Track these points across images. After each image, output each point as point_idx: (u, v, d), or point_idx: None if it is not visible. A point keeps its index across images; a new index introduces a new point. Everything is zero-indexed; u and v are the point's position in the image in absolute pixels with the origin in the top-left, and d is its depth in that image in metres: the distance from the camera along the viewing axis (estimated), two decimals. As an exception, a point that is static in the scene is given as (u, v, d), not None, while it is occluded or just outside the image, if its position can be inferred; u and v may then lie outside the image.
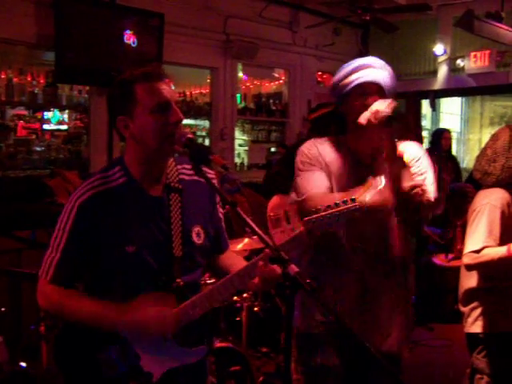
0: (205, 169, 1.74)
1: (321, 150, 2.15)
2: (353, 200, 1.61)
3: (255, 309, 3.47)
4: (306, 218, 1.60)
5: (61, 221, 1.70)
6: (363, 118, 2.03)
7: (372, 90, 2.09)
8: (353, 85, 2.09)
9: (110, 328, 1.67)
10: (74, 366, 1.72)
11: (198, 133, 7.47)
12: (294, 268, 1.30)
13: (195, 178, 1.76)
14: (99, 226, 1.68)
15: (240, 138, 7.52)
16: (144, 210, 1.73)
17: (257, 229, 1.40)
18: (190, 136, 1.65)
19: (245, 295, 3.36)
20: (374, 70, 2.11)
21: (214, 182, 1.78)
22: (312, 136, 4.21)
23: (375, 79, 2.10)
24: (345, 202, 1.60)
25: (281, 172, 3.59)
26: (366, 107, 2.05)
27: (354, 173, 2.08)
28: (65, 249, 1.69)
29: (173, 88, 1.75)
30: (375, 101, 2.04)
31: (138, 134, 1.69)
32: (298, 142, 5.08)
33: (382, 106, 1.99)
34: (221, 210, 1.92)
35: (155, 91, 1.66)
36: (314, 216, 1.60)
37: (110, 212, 1.69)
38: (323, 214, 1.59)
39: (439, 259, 5.66)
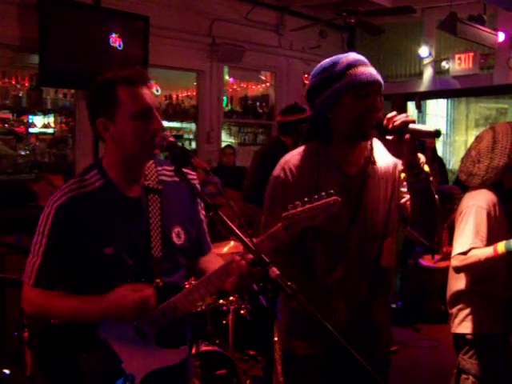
0: (186, 170, 1.74)
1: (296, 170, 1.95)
2: (330, 194, 1.60)
3: (242, 312, 3.46)
4: (284, 214, 1.59)
5: (40, 225, 1.71)
6: (395, 120, 1.76)
7: (373, 91, 1.85)
8: (351, 84, 1.82)
9: (91, 319, 1.67)
10: (57, 372, 1.71)
11: (185, 136, 7.46)
12: (275, 271, 1.30)
13: (176, 179, 1.75)
14: (77, 229, 1.69)
15: (227, 140, 7.51)
16: (122, 211, 1.73)
17: (238, 232, 1.39)
18: (171, 139, 1.65)
19: (231, 298, 3.35)
20: (369, 67, 1.87)
21: (195, 182, 1.77)
22: (282, 138, 4.19)
23: (376, 78, 1.86)
24: (321, 197, 1.59)
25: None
26: (369, 111, 1.83)
27: (340, 184, 1.93)
28: (45, 252, 1.69)
29: (157, 92, 1.75)
30: (379, 102, 1.85)
31: (118, 137, 1.69)
32: (269, 145, 4.99)
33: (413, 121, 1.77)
34: (203, 211, 1.91)
35: (137, 96, 1.66)
36: (291, 212, 1.58)
37: (87, 215, 1.69)
38: (300, 209, 1.58)
39: (426, 261, 5.70)
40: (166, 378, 1.75)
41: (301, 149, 2.02)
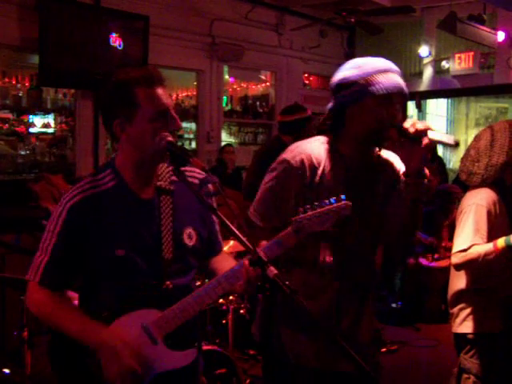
0: (191, 168, 1.73)
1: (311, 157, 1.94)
2: (340, 199, 1.59)
3: (241, 311, 3.46)
4: (293, 218, 1.57)
5: (50, 223, 1.70)
6: (416, 127, 1.78)
7: (397, 101, 1.86)
8: (381, 90, 1.82)
9: (86, 344, 1.65)
10: (67, 370, 1.73)
11: (186, 135, 7.47)
12: (273, 270, 1.29)
13: (188, 179, 1.73)
14: (89, 230, 1.67)
15: (227, 140, 7.51)
16: (134, 213, 1.72)
17: (236, 231, 1.39)
18: (169, 139, 1.63)
19: (231, 298, 3.35)
20: (398, 77, 1.88)
21: (196, 181, 1.76)
22: (282, 137, 4.19)
23: (402, 88, 1.87)
24: (332, 201, 1.57)
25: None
26: (387, 119, 1.83)
27: (349, 182, 1.93)
28: (53, 251, 1.68)
29: None
30: (398, 113, 1.85)
31: (135, 139, 1.67)
32: (269, 143, 4.98)
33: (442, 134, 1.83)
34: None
35: (156, 98, 1.65)
36: (302, 216, 1.57)
37: (99, 216, 1.68)
38: (310, 213, 1.56)
39: (425, 260, 5.70)
40: (176, 379, 1.74)
41: (314, 139, 1.99)
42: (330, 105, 1.97)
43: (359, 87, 1.85)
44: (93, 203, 1.68)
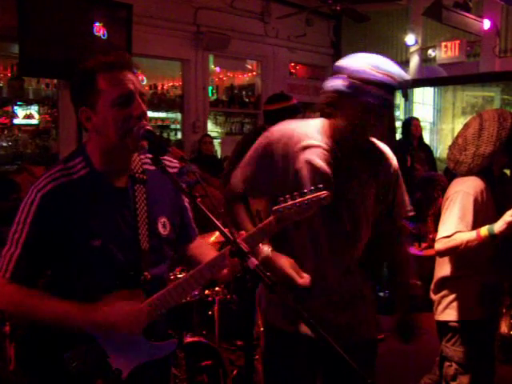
0: (168, 158, 1.70)
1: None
2: (319, 188, 1.58)
3: (227, 300, 3.44)
4: (275, 208, 1.57)
5: (20, 214, 1.61)
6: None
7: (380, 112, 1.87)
8: (374, 101, 1.82)
9: (75, 329, 1.61)
10: (39, 367, 1.67)
11: (172, 126, 7.41)
12: (253, 261, 1.27)
13: (167, 169, 1.66)
14: (62, 220, 1.61)
15: (213, 130, 7.47)
16: (109, 202, 1.67)
17: (216, 222, 1.36)
18: (148, 128, 1.59)
19: (217, 289, 3.33)
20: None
21: (175, 170, 1.74)
22: (267, 127, 4.14)
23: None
24: (312, 191, 1.57)
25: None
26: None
27: (336, 166, 1.95)
28: (25, 243, 1.60)
29: (143, 82, 1.68)
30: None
31: (100, 126, 1.62)
32: (252, 132, 4.96)
33: None
34: (186, 198, 1.87)
35: (118, 82, 1.59)
36: (283, 205, 1.57)
37: (73, 205, 1.62)
38: (291, 202, 1.56)
39: (413, 249, 5.71)
40: (151, 370, 1.72)
41: (311, 121, 2.01)
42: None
43: (361, 82, 1.82)
44: (66, 192, 1.61)
